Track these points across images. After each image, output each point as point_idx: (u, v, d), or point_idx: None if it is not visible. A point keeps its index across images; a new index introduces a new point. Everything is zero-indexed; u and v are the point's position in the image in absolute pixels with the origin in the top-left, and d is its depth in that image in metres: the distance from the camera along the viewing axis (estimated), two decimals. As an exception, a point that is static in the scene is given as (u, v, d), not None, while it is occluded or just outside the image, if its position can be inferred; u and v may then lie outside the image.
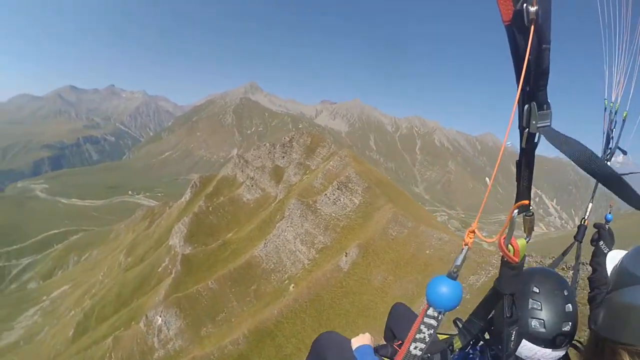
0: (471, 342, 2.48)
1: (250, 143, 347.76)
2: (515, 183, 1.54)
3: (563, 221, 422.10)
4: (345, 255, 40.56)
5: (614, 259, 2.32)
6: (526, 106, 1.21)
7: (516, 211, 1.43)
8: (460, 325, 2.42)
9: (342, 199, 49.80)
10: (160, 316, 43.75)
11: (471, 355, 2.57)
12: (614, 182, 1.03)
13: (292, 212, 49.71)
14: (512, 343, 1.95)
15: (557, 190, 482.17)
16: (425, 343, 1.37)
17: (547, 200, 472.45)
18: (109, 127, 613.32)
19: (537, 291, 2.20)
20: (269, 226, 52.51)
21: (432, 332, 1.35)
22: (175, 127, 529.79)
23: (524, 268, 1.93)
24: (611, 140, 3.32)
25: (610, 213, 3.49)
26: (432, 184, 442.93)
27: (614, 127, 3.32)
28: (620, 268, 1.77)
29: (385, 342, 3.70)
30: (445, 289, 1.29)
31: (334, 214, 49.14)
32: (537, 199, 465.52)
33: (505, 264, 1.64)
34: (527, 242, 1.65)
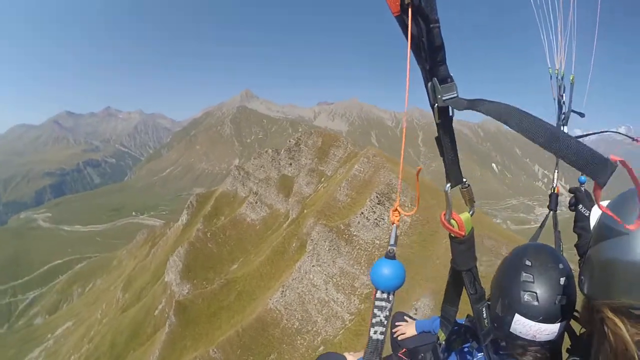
0: (461, 332, 2.50)
1: (252, 151, 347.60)
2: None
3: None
4: (416, 312, 27.79)
5: (597, 213, 2.05)
6: (429, 83, 1.24)
7: (449, 185, 1.50)
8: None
9: (386, 218, 36.89)
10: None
11: (467, 348, 2.50)
12: (541, 135, 0.98)
13: (317, 245, 36.64)
14: (485, 320, 1.96)
15: (564, 169, 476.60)
16: (383, 326, 1.39)
17: (556, 181, 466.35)
18: (108, 149, 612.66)
19: (530, 264, 2.12)
20: (284, 259, 41.10)
21: (386, 314, 1.38)
22: (174, 143, 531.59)
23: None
24: (563, 106, 3.50)
25: (582, 175, 3.11)
26: (439, 176, 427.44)
27: (564, 92, 3.51)
28: (598, 222, 1.74)
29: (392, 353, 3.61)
30: (385, 270, 1.33)
31: (377, 241, 36.64)
32: (545, 180, 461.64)
33: (453, 240, 1.65)
34: (471, 214, 1.66)
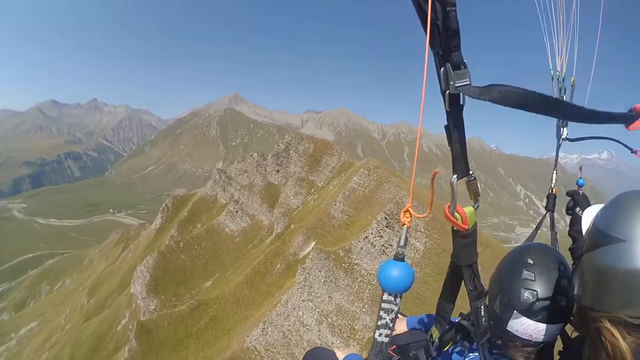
0: (455, 330, 2.45)
1: (236, 155, 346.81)
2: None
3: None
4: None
5: (589, 217, 2.11)
6: (442, 69, 1.22)
7: (455, 177, 1.48)
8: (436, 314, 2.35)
9: (395, 244, 30.69)
10: None
11: (459, 347, 2.44)
12: (552, 106, 1.02)
13: (310, 274, 30.14)
14: (484, 318, 1.95)
15: (545, 190, 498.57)
16: (389, 328, 1.37)
17: (536, 201, 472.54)
18: (91, 142, 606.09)
19: (532, 262, 2.11)
20: (266, 282, 35.67)
21: (392, 316, 1.36)
22: (158, 141, 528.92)
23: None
24: None
25: (581, 178, 3.61)
26: (423, 191, 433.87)
27: (564, 94, 3.56)
28: (592, 227, 1.70)
29: None
30: (394, 271, 1.31)
31: None
32: (527, 200, 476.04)
33: (456, 233, 1.64)
34: (475, 208, 1.66)
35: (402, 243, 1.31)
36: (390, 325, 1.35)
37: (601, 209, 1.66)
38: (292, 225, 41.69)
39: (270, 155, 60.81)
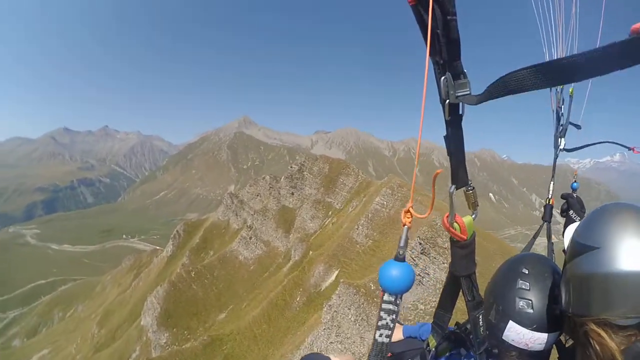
0: (451, 339, 2.43)
1: (247, 178, 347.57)
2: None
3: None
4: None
5: (571, 232, 2.11)
6: (442, 78, 1.23)
7: (453, 186, 1.47)
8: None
9: (432, 273, 27.47)
10: None
11: (455, 357, 2.43)
12: (556, 74, 0.97)
13: (337, 312, 26.38)
14: (482, 328, 1.93)
15: (559, 197, 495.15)
16: (389, 329, 1.38)
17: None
18: (103, 169, 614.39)
19: (527, 272, 2.15)
20: (285, 317, 32.76)
21: (393, 317, 1.36)
22: (169, 166, 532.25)
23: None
24: (562, 117, 3.68)
25: (575, 182, 3.74)
26: (436, 205, 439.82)
27: (562, 105, 3.68)
28: (571, 241, 1.80)
29: None
30: (394, 272, 1.31)
31: (422, 306, 26.58)
32: (542, 209, 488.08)
33: (454, 243, 1.63)
34: (474, 218, 1.65)
35: (402, 244, 1.31)
36: (391, 325, 1.36)
37: (581, 222, 1.78)
38: (311, 252, 39.05)
39: (283, 177, 58.90)
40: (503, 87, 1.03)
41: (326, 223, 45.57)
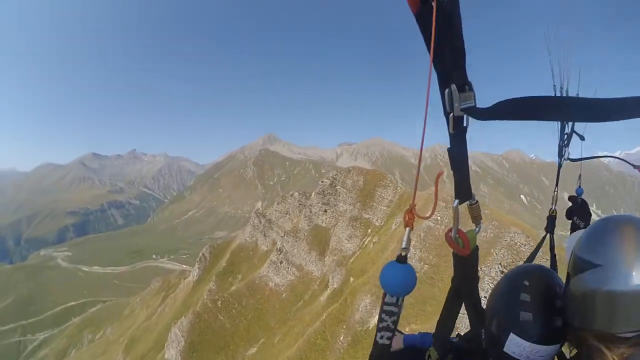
0: (453, 350, 2.42)
1: (274, 194, 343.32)
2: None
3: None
4: None
5: (574, 241, 2.07)
6: (446, 90, 1.21)
7: (457, 201, 1.47)
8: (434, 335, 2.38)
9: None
10: None
11: None
12: (590, 113, 1.00)
13: None
14: (484, 341, 2.05)
15: (595, 193, 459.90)
16: (390, 331, 1.41)
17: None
18: (132, 191, 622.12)
19: (528, 284, 2.11)
20: (326, 355, 27.10)
21: (394, 319, 1.39)
22: (197, 186, 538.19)
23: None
24: (566, 126, 3.54)
25: (580, 187, 3.74)
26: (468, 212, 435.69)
27: None
28: (573, 254, 1.80)
29: None
30: (396, 273, 1.32)
31: None
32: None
33: (457, 257, 1.67)
34: (477, 232, 1.70)
35: (404, 245, 1.32)
36: (392, 327, 1.38)
37: (581, 236, 1.77)
38: (352, 279, 34.10)
39: (314, 193, 54.82)
40: (511, 110, 1.01)
41: (366, 243, 40.82)
